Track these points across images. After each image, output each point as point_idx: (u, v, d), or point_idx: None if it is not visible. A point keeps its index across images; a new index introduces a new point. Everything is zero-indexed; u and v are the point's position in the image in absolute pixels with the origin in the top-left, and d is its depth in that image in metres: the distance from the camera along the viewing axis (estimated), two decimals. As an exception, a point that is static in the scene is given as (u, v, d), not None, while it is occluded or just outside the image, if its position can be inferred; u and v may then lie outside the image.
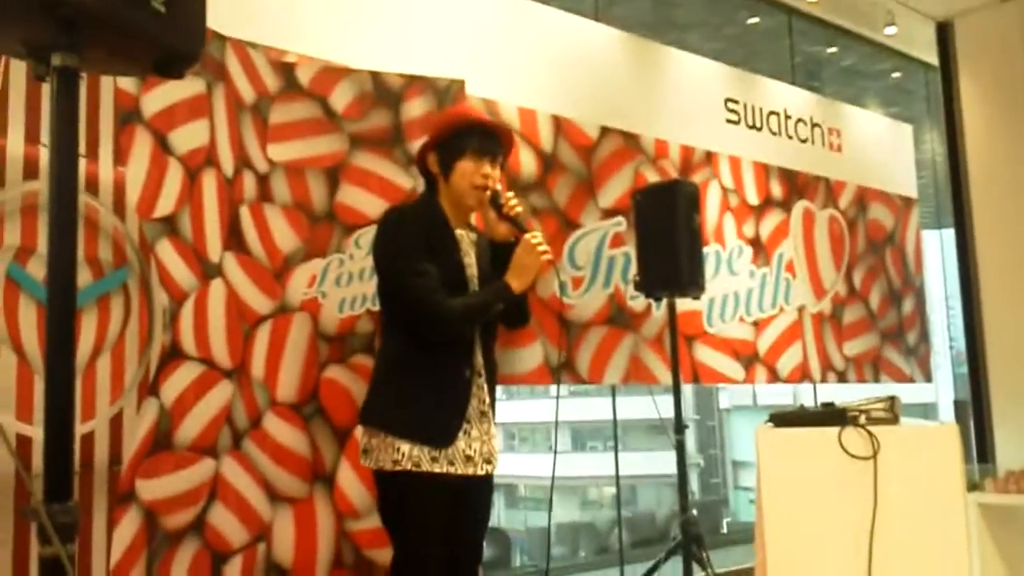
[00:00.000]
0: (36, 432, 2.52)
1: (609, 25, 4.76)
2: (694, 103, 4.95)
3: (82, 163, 2.68)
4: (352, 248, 3.20)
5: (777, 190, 5.22)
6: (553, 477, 3.24)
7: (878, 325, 5.70)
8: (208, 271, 2.86)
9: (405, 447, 2.53)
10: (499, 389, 2.88)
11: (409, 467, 2.52)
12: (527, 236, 2.67)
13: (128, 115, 2.73)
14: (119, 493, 2.63)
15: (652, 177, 4.48)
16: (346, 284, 3.17)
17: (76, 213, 1.49)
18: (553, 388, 3.29)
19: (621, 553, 5.10)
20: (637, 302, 4.34)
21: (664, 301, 4.07)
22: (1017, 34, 6.09)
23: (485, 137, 2.72)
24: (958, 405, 6.90)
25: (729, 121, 5.11)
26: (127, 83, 2.72)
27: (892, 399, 2.96)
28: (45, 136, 2.57)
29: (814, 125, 5.59)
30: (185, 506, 2.73)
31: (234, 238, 2.96)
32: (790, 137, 5.43)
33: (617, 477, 6.02)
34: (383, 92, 3.34)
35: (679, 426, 3.83)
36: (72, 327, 1.49)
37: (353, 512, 3.06)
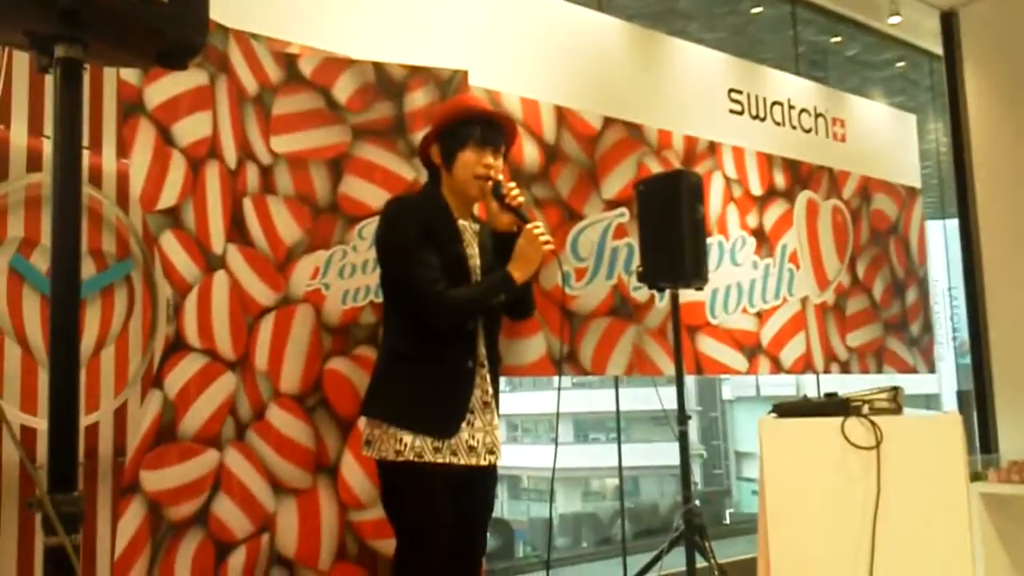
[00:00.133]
0: (40, 423, 2.54)
1: (612, 15, 4.75)
2: (697, 93, 4.94)
3: (85, 155, 2.68)
4: (355, 240, 3.20)
5: (780, 180, 5.21)
6: (554, 468, 3.24)
7: (881, 316, 5.70)
8: (211, 263, 2.87)
9: (408, 438, 2.53)
10: (502, 381, 2.88)
11: (412, 458, 2.52)
12: (529, 226, 2.66)
13: (131, 107, 2.73)
14: (123, 484, 2.64)
15: (655, 168, 4.48)
16: (349, 276, 3.18)
17: (80, 205, 1.50)
18: (556, 379, 3.29)
19: (624, 543, 5.11)
20: (640, 293, 4.34)
21: (667, 292, 4.07)
22: (1022, 23, 6.07)
23: (487, 127, 2.72)
24: (961, 395, 6.91)
25: (732, 111, 5.10)
26: (130, 75, 2.72)
27: (895, 389, 2.96)
28: (48, 128, 2.57)
29: (818, 115, 5.58)
30: (189, 497, 2.74)
31: (237, 230, 2.96)
32: (794, 127, 5.42)
33: (620, 468, 6.03)
34: (386, 83, 3.33)
35: (682, 417, 3.83)
36: (76, 319, 1.49)
37: (357, 503, 3.07)
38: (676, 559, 3.73)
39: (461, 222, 2.73)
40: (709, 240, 4.36)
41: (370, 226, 3.12)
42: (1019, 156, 6.04)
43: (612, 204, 4.32)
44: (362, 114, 3.27)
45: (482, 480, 2.70)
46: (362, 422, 2.82)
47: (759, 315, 4.94)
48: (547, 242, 2.66)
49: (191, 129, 2.85)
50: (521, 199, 2.73)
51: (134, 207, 2.82)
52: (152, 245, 2.80)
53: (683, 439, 3.84)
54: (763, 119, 5.25)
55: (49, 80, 1.45)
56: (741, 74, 5.23)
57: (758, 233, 5.02)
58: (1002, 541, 4.58)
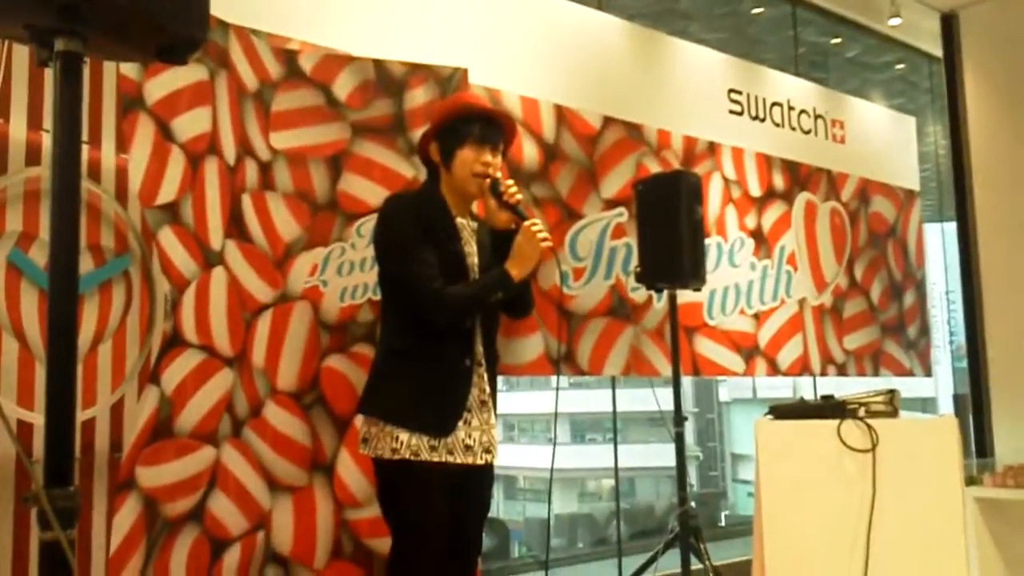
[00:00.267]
0: (37, 418, 2.53)
1: (613, 14, 4.75)
2: (697, 93, 4.94)
3: (85, 150, 2.68)
4: (354, 237, 3.20)
5: (779, 182, 5.22)
6: (552, 469, 3.24)
7: (879, 318, 5.70)
8: (210, 259, 2.86)
9: (404, 436, 2.53)
10: (499, 380, 2.88)
11: (408, 456, 2.52)
12: (527, 223, 2.66)
13: (131, 102, 2.72)
14: (119, 480, 2.63)
15: (654, 168, 4.48)
16: (347, 273, 3.17)
17: (78, 199, 1.49)
18: (553, 379, 3.29)
19: (619, 544, 5.11)
20: (638, 293, 4.34)
21: (665, 293, 4.07)
22: (1022, 26, 6.07)
23: (486, 125, 2.71)
24: (957, 399, 6.91)
25: (732, 112, 5.11)
26: (130, 70, 2.71)
27: (891, 392, 2.96)
28: (48, 122, 2.57)
29: (817, 116, 5.58)
30: (185, 494, 2.73)
31: (236, 226, 2.96)
32: (793, 128, 5.42)
33: (616, 469, 6.03)
34: (386, 80, 3.33)
35: (678, 418, 3.83)
36: (74, 313, 1.49)
37: (353, 501, 3.07)
38: (671, 561, 3.73)
39: (459, 220, 2.73)
40: (707, 241, 4.36)
41: (369, 223, 3.12)
42: (1018, 159, 6.04)
43: (611, 204, 4.32)
44: (362, 111, 3.27)
45: (478, 479, 2.70)
46: (359, 420, 2.82)
47: (757, 317, 4.94)
48: (545, 239, 2.65)
49: (190, 125, 2.84)
50: (519, 197, 2.72)
51: (133, 202, 2.81)
52: (150, 240, 2.79)
53: (679, 440, 3.84)
54: (763, 120, 5.25)
55: (49, 74, 1.44)
56: (741, 75, 5.23)
57: (756, 234, 5.02)
58: (997, 545, 4.59)
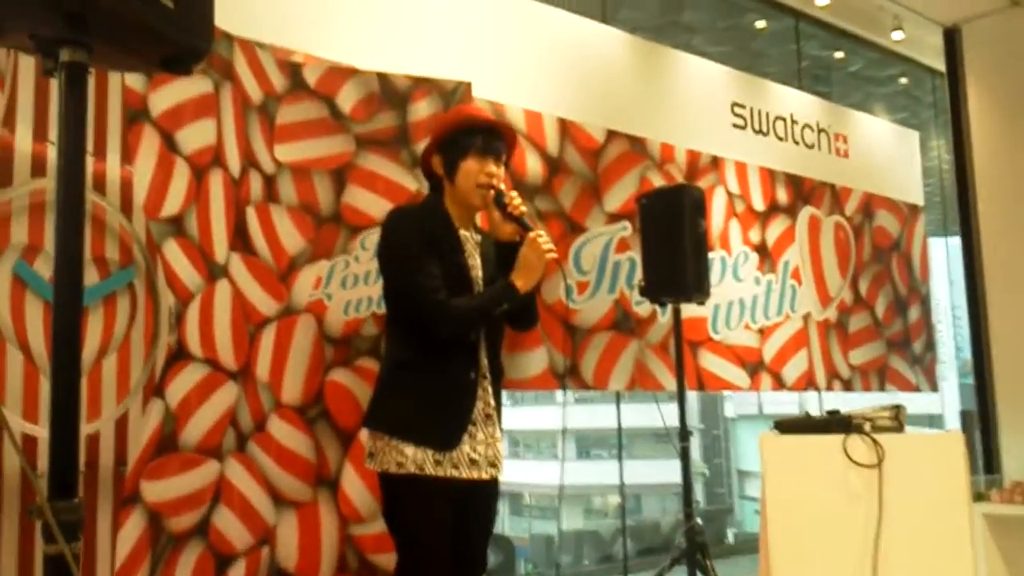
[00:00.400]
0: (42, 432, 2.52)
1: (616, 28, 4.76)
2: (700, 107, 4.95)
3: (90, 162, 2.68)
4: (358, 250, 3.19)
5: (783, 196, 5.21)
6: (561, 486, 3.22)
7: (884, 333, 5.68)
8: (214, 272, 2.86)
9: (409, 450, 2.52)
10: (503, 395, 2.87)
11: (413, 470, 2.50)
12: (532, 234, 2.65)
13: (136, 114, 2.73)
14: (124, 495, 2.63)
15: (658, 182, 4.48)
16: (352, 286, 3.17)
17: (82, 209, 1.49)
18: (558, 395, 3.28)
19: (625, 561, 5.09)
20: (642, 308, 4.33)
21: (669, 307, 4.06)
22: (1024, 41, 6.09)
23: (488, 136, 2.71)
24: (964, 415, 6.88)
25: (735, 126, 5.11)
26: (135, 82, 2.72)
27: (897, 407, 2.95)
28: (53, 134, 2.57)
29: (820, 131, 5.59)
30: (190, 508, 2.72)
31: (240, 239, 2.96)
32: (796, 143, 5.43)
33: (622, 485, 6.01)
34: (390, 93, 3.34)
35: (683, 432, 3.81)
36: (78, 326, 1.48)
37: (357, 516, 3.05)
38: (678, 577, 3.70)
39: (463, 232, 2.72)
40: (711, 255, 4.35)
41: (373, 236, 3.11)
42: (1022, 173, 6.03)
43: (614, 217, 4.32)
44: (366, 124, 3.27)
45: (483, 494, 2.68)
46: (364, 434, 2.81)
47: (761, 331, 4.93)
48: (550, 250, 2.64)
49: (195, 137, 2.85)
50: (523, 208, 2.72)
51: (138, 214, 2.81)
52: (155, 253, 2.79)
53: (685, 455, 3.82)
54: (766, 134, 5.25)
55: (54, 85, 1.45)
56: (744, 88, 5.24)
57: (760, 249, 5.01)
58: (1005, 562, 4.56)
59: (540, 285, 2.75)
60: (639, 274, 4.05)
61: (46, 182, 2.62)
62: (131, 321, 2.81)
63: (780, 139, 5.33)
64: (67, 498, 1.41)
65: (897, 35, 6.42)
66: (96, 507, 2.67)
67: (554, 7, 4.42)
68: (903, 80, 7.96)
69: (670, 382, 4.28)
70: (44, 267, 2.59)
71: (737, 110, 5.13)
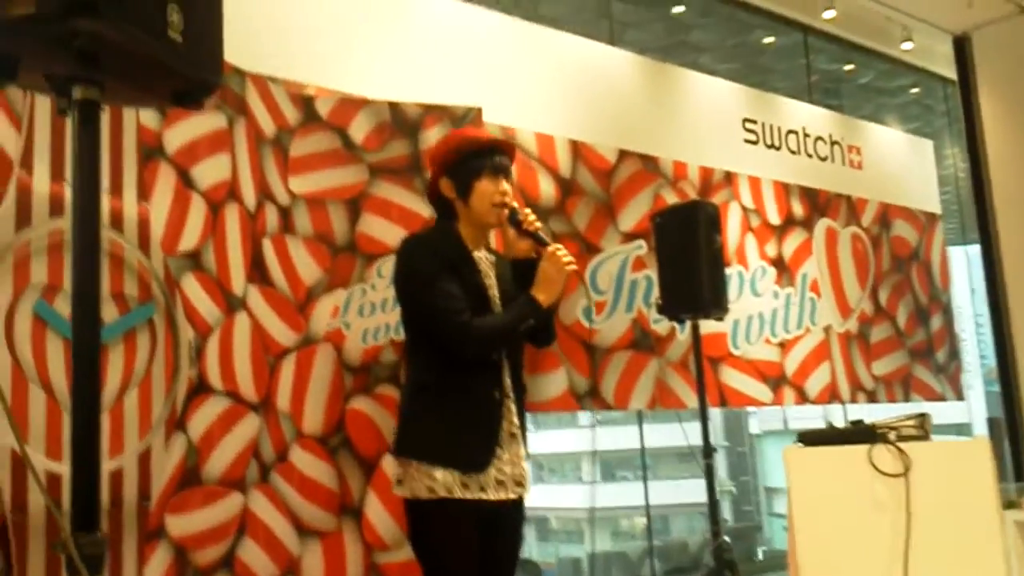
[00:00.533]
0: (65, 469, 2.53)
1: (624, 49, 4.79)
2: (711, 124, 4.96)
3: (106, 199, 2.70)
4: (374, 278, 3.21)
5: (798, 209, 5.20)
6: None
7: (906, 343, 5.64)
8: (232, 304, 2.88)
9: (439, 474, 2.50)
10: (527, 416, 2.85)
11: (443, 494, 2.49)
12: (551, 248, 2.64)
13: (151, 151, 2.76)
14: (149, 529, 2.63)
15: (671, 199, 4.48)
16: (369, 314, 3.18)
17: (98, 246, 1.51)
18: (579, 417, 3.27)
19: (654, 582, 5.04)
20: (661, 325, 4.32)
21: (688, 324, 4.05)
22: (1035, 46, 6.07)
23: (497, 154, 2.72)
24: (992, 423, 6.80)
25: (747, 141, 5.11)
26: (149, 119, 2.76)
27: (923, 416, 2.91)
28: (70, 173, 2.60)
29: (834, 143, 5.58)
30: (215, 541, 2.72)
31: (257, 271, 2.98)
32: (810, 156, 5.42)
33: (647, 506, 5.97)
34: (401, 122, 3.36)
35: (707, 449, 3.79)
36: (97, 362, 1.50)
37: (382, 544, 3.05)
38: (707, 595, 3.67)
39: (476, 254, 2.72)
40: (728, 270, 4.34)
41: (389, 264, 3.12)
42: (1039, 178, 6.00)
43: (629, 236, 4.32)
44: (378, 153, 3.30)
45: (510, 517, 2.66)
46: (387, 462, 2.80)
47: (782, 345, 4.90)
48: (570, 262, 2.64)
49: (210, 172, 2.88)
50: (539, 224, 2.72)
51: (155, 250, 2.83)
52: (173, 288, 2.81)
53: (709, 472, 3.79)
54: (778, 148, 5.25)
55: (69, 124, 1.47)
56: (755, 104, 5.24)
57: (778, 262, 5.00)
58: (1040, 570, 4.48)
59: (558, 303, 2.75)
60: (656, 292, 4.05)
61: (64, 221, 2.65)
62: (151, 356, 2.83)
63: (793, 152, 5.33)
64: (90, 531, 1.41)
65: (907, 45, 6.41)
66: (121, 543, 2.68)
67: (562, 31, 4.45)
68: (915, 90, 7.95)
69: (691, 399, 4.26)
70: (64, 306, 2.61)
71: (748, 125, 5.14)
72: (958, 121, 6.83)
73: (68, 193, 2.63)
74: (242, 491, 2.80)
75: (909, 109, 8.42)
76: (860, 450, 2.78)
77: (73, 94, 1.43)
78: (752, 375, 4.72)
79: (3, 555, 2.47)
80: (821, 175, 5.43)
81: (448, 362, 2.59)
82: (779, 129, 5.28)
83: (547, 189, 4.05)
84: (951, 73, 6.74)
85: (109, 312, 2.71)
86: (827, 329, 5.16)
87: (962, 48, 6.52)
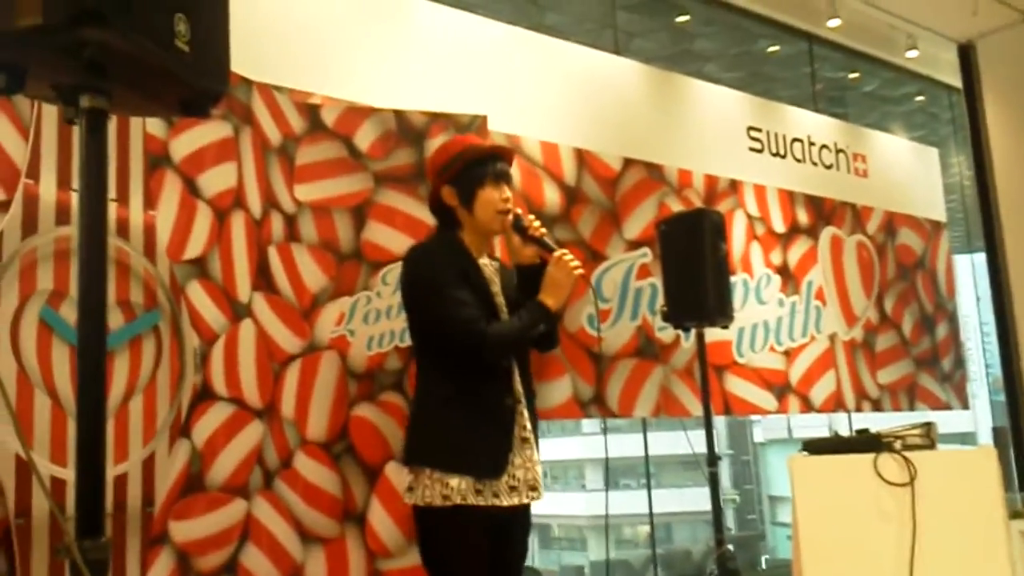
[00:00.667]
0: (70, 475, 2.54)
1: (629, 58, 4.80)
2: (716, 132, 4.96)
3: (113, 207, 2.72)
4: (379, 285, 3.21)
5: (803, 217, 5.20)
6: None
7: (912, 352, 5.63)
8: (238, 311, 2.89)
9: (454, 481, 2.49)
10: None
11: (458, 501, 2.48)
12: (557, 253, 2.65)
13: (157, 159, 2.77)
14: (152, 535, 2.63)
15: (676, 207, 4.48)
16: (374, 321, 3.19)
17: (104, 253, 1.51)
18: (583, 424, 3.28)
19: (658, 590, 5.03)
20: (665, 333, 4.32)
21: (692, 331, 4.04)
22: (1040, 54, 6.07)
23: (498, 161, 2.72)
24: (997, 432, 6.78)
25: (752, 149, 5.12)
26: (156, 128, 2.77)
27: (928, 425, 2.91)
28: (76, 182, 2.61)
29: (839, 151, 5.58)
30: (218, 547, 2.73)
31: (263, 278, 2.99)
32: (815, 164, 5.42)
33: (651, 514, 5.96)
34: (406, 130, 3.37)
35: (712, 458, 3.78)
36: (102, 368, 1.50)
37: (385, 551, 3.05)
38: (711, 603, 3.66)
39: (481, 261, 2.73)
40: (733, 278, 4.34)
41: (394, 271, 3.13)
42: (1044, 186, 5.99)
43: (634, 244, 4.32)
44: (384, 161, 3.31)
45: (520, 522, 2.66)
46: (391, 468, 2.79)
47: (787, 353, 4.90)
48: (577, 267, 2.64)
49: (216, 180, 2.89)
50: (543, 229, 2.72)
51: (161, 258, 2.85)
52: (179, 295, 2.82)
53: (713, 480, 3.78)
54: (783, 156, 5.25)
55: (76, 133, 1.48)
56: (759, 112, 5.25)
57: (783, 270, 4.99)
58: (1046, 580, 4.46)
59: (562, 314, 2.75)
60: (661, 300, 4.05)
61: (71, 229, 2.67)
62: (157, 363, 2.84)
63: (798, 160, 5.33)
64: (94, 536, 1.42)
65: (912, 53, 6.41)
66: (125, 548, 2.69)
67: (567, 40, 4.46)
68: (920, 98, 7.94)
69: (696, 407, 4.26)
70: (69, 312, 2.63)
71: (753, 134, 5.14)
72: (963, 129, 6.83)
73: (75, 201, 2.64)
74: (246, 497, 2.81)
75: (914, 117, 8.42)
76: (865, 459, 2.78)
77: (80, 103, 1.43)
78: (757, 383, 4.71)
79: (7, 560, 2.48)
80: (826, 183, 5.43)
81: (459, 370, 2.59)
82: (784, 137, 5.29)
83: (552, 197, 4.05)
84: (956, 81, 6.74)
85: (115, 319, 2.72)
86: (832, 337, 5.15)
87: (967, 56, 6.52)
